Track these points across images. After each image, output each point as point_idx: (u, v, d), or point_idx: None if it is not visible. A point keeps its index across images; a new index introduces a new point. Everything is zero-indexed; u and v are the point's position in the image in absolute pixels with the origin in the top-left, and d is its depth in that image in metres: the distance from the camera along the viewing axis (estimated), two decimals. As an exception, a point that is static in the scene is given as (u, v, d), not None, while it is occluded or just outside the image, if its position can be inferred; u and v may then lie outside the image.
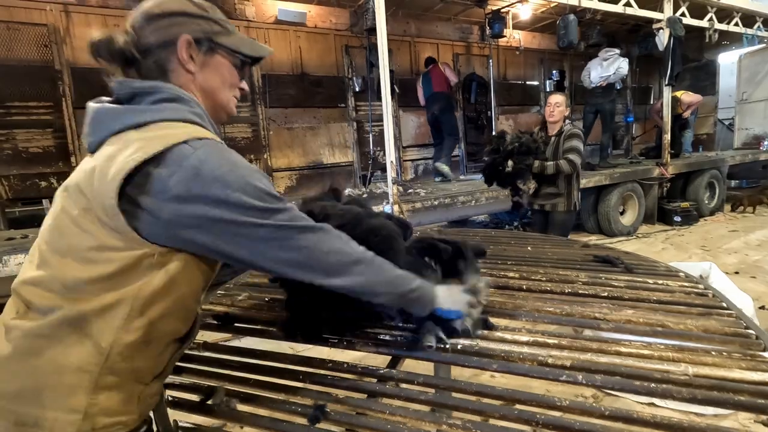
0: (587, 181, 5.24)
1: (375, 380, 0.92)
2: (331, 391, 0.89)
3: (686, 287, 1.19)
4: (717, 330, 0.91)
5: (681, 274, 1.31)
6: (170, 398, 0.98)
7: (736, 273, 4.05)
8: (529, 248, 1.78)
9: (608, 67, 5.65)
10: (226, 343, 1.24)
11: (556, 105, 3.06)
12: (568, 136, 2.99)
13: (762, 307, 3.24)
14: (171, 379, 1.01)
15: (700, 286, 1.19)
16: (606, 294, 1.14)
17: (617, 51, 5.74)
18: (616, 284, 1.22)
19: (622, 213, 5.78)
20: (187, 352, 1.14)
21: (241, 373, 1.00)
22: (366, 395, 0.88)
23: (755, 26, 6.79)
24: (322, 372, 0.95)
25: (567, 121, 3.10)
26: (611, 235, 5.57)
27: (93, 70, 3.61)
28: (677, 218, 6.02)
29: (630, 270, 1.33)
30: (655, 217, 6.11)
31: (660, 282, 1.23)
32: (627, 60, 5.74)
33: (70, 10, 4.27)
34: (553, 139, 3.06)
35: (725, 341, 0.87)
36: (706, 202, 6.62)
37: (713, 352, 0.82)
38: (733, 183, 8.64)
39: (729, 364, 0.79)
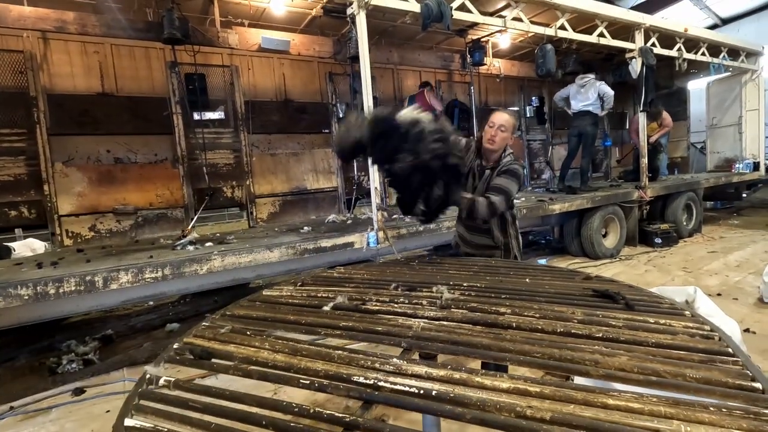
0: (569, 204, 5.31)
1: (341, 429, 0.85)
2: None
3: (690, 328, 1.13)
4: (719, 381, 0.85)
5: (686, 313, 1.24)
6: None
7: (719, 295, 4.09)
8: (527, 280, 1.72)
9: (587, 93, 5.82)
10: (202, 382, 1.17)
11: (501, 129, 2.20)
12: (503, 171, 2.22)
13: (747, 330, 3.25)
14: (132, 421, 0.92)
15: (706, 327, 1.12)
16: (601, 335, 1.08)
17: (592, 76, 5.93)
18: (613, 323, 1.16)
19: (604, 236, 5.85)
20: (155, 390, 1.06)
21: (204, 416, 0.92)
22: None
23: (720, 56, 7.15)
24: (286, 418, 0.87)
25: (509, 151, 2.30)
26: (595, 258, 5.61)
27: (70, 96, 3.56)
28: (658, 240, 6.12)
29: (630, 307, 1.27)
30: (636, 239, 6.20)
31: (662, 321, 1.17)
32: (604, 83, 5.91)
33: (48, 36, 4.21)
34: (487, 172, 2.27)
35: (727, 394, 0.81)
36: (685, 223, 6.76)
37: (711, 408, 0.75)
38: (708, 204, 8.89)
39: (728, 423, 0.72)
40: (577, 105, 5.90)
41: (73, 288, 2.78)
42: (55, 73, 4.26)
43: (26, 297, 2.66)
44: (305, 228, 4.49)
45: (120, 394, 2.73)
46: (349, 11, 3.90)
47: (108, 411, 2.61)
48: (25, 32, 4.09)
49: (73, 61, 4.35)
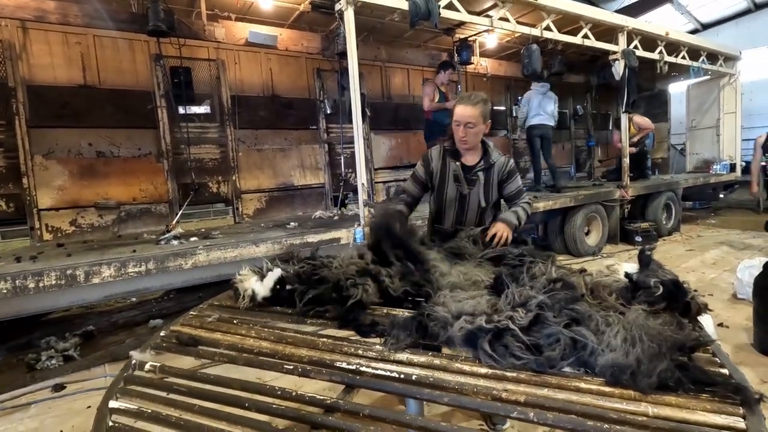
0: (553, 203, 5.40)
1: (322, 411, 0.87)
2: (274, 421, 0.84)
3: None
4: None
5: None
6: (113, 423, 0.90)
7: (695, 291, 4.20)
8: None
9: (548, 98, 6.07)
10: (188, 369, 1.19)
11: (468, 126, 1.94)
12: (511, 173, 2.01)
13: (720, 324, 3.36)
14: (117, 404, 0.93)
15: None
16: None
17: (548, 85, 6.21)
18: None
19: (587, 233, 5.96)
20: (139, 374, 1.06)
21: (187, 399, 0.92)
22: (309, 426, 0.83)
23: (700, 59, 7.34)
24: (269, 400, 0.89)
25: (491, 144, 2.09)
26: (578, 255, 5.72)
27: (50, 87, 3.49)
28: (638, 238, 6.26)
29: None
30: (618, 237, 6.33)
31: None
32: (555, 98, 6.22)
33: (27, 26, 4.11)
34: (480, 174, 2.01)
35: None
36: (664, 222, 6.93)
37: (679, 390, 0.80)
38: (687, 204, 9.13)
39: (693, 405, 0.77)
40: (540, 119, 6.09)
41: (53, 282, 2.73)
42: (34, 63, 4.15)
43: (4, 291, 2.61)
44: (292, 223, 4.48)
45: (102, 390, 2.69)
46: (337, 7, 3.89)
47: (89, 407, 2.57)
48: (4, 21, 3.98)
49: (54, 51, 4.25)
